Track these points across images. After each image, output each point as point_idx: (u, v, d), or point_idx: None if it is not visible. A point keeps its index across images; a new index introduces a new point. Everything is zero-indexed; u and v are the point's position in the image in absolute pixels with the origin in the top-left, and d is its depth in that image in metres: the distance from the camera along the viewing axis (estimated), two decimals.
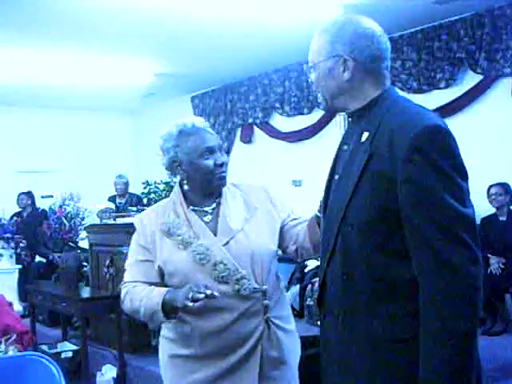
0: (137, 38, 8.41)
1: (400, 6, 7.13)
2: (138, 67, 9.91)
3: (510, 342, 6.37)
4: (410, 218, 1.94)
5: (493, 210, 7.30)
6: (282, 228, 2.87)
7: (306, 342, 4.22)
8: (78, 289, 6.81)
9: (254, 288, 2.69)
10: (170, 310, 2.60)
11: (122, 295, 2.82)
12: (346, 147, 2.24)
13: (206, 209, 2.81)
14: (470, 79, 8.04)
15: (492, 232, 7.13)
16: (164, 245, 2.75)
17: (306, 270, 8.20)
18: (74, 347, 6.74)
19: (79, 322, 6.34)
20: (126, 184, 10.55)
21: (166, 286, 2.76)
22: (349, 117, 2.26)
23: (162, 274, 2.77)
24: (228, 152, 11.61)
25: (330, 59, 2.16)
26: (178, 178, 2.89)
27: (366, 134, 2.09)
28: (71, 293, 6.61)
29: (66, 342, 7.12)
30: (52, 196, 8.85)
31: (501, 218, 7.26)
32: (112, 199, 10.35)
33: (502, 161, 7.34)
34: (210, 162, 2.74)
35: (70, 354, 6.65)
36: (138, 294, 2.72)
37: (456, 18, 8.02)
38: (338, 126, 9.74)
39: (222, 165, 2.76)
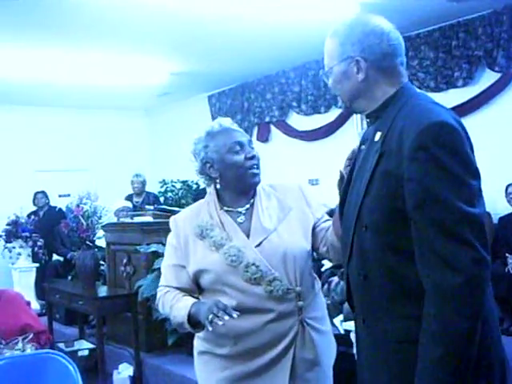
0: (153, 37, 8.42)
1: (417, 4, 7.11)
2: (153, 66, 9.92)
3: None
4: (414, 217, 1.92)
5: (511, 209, 7.26)
6: (314, 228, 2.85)
7: None
8: (94, 287, 6.82)
9: (288, 289, 2.69)
10: (195, 323, 2.62)
11: (157, 299, 2.88)
12: (363, 147, 2.24)
13: (239, 209, 2.82)
14: (488, 77, 7.99)
15: (510, 231, 7.09)
16: (197, 247, 2.77)
17: (322, 269, 8.18)
18: (91, 346, 6.77)
19: (96, 320, 6.35)
20: (143, 183, 10.58)
21: (199, 288, 2.81)
22: (367, 117, 2.25)
23: (195, 278, 2.79)
24: None
25: (342, 62, 2.17)
26: (212, 186, 2.89)
27: (378, 134, 2.09)
28: (88, 291, 6.62)
29: (83, 341, 7.15)
30: (69, 195, 8.87)
31: None
32: (129, 198, 10.38)
33: None
34: (240, 157, 2.75)
35: (86, 353, 6.68)
36: (169, 301, 2.77)
37: (473, 15, 7.98)
38: (355, 124, 9.73)
39: (252, 158, 2.77)
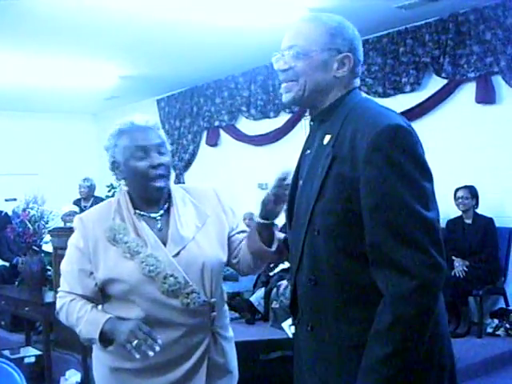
0: (101, 41, 8.35)
1: (365, 10, 7.17)
2: (102, 69, 9.84)
3: (473, 344, 6.44)
4: (369, 220, 1.90)
5: (459, 213, 7.36)
6: (228, 237, 2.73)
7: (270, 346, 4.22)
8: (41, 293, 6.73)
9: (204, 301, 2.57)
10: (107, 340, 2.48)
11: (58, 306, 2.65)
12: (308, 151, 2.18)
13: (153, 215, 2.63)
14: (435, 83, 8.12)
15: (457, 235, 7.20)
16: (109, 253, 2.56)
17: (271, 274, 8.20)
18: (38, 352, 6.67)
19: (42, 326, 6.27)
20: (90, 187, 10.47)
21: (104, 296, 2.63)
22: (311, 120, 2.21)
23: (103, 286, 2.59)
24: (194, 155, 11.58)
25: (326, 51, 2.07)
26: (122, 181, 2.69)
27: (327, 137, 2.05)
28: (35, 297, 6.53)
29: (29, 348, 7.04)
30: (16, 199, 8.74)
31: (466, 221, 7.35)
32: (77, 202, 10.27)
33: (468, 164, 7.42)
34: (143, 164, 2.54)
35: (32, 360, 6.57)
36: (75, 312, 2.56)
37: (421, 22, 8.09)
38: (304, 129, 9.78)
39: (157, 166, 2.55)
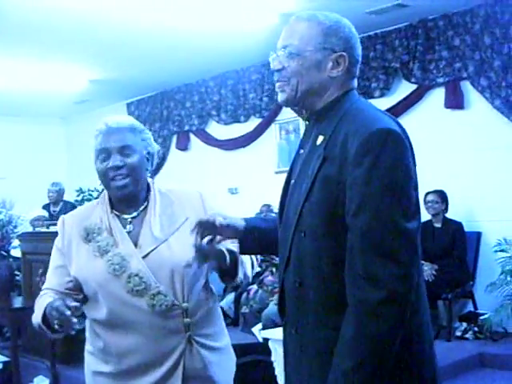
0: (71, 44, 8.30)
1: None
2: (71, 73, 9.78)
3: (442, 348, 6.45)
4: (350, 225, 1.88)
5: (429, 217, 7.41)
6: None
7: (240, 350, 4.21)
8: (9, 298, 6.64)
9: (173, 305, 2.52)
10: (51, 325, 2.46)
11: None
12: (302, 151, 2.15)
13: (125, 216, 2.63)
14: (404, 88, 8.19)
15: (426, 239, 7.24)
16: (81, 252, 2.58)
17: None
18: (5, 359, 6.59)
19: (10, 332, 6.20)
20: (59, 192, 10.39)
21: (84, 296, 2.60)
22: (306, 120, 2.17)
23: (79, 286, 2.58)
24: (163, 159, 11.54)
25: (320, 51, 2.03)
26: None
27: (320, 138, 2.02)
28: (2, 302, 6.44)
29: None
30: None
31: (436, 225, 7.40)
32: (46, 207, 10.19)
33: (437, 168, 7.46)
34: (103, 165, 2.57)
35: (0, 366, 6.50)
36: (38, 303, 2.58)
37: (391, 28, 8.15)
38: (274, 134, 9.81)
39: (115, 168, 2.55)
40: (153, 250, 2.55)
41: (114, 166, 2.55)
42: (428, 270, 7.02)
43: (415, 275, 1.86)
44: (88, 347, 2.70)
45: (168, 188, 2.77)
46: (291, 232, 2.03)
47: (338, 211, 1.90)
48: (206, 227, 2.29)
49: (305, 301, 2.01)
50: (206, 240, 2.30)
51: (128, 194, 2.61)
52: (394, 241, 1.83)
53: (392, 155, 1.87)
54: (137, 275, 2.49)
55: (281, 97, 2.12)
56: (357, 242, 1.86)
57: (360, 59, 2.13)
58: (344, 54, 2.04)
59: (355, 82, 2.14)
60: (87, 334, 2.71)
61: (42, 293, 2.66)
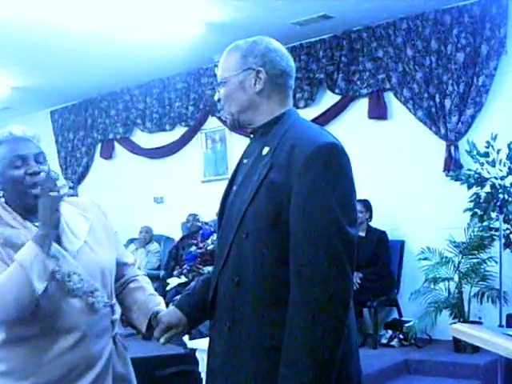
0: None
1: (260, 25, 7.23)
2: None
3: (368, 355, 6.54)
4: (295, 228, 1.99)
5: None
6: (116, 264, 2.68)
7: (167, 361, 4.19)
8: None
9: (105, 302, 2.49)
10: (48, 246, 2.34)
11: None
12: (246, 161, 2.29)
13: (38, 224, 2.43)
14: (329, 99, 8.30)
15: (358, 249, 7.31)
16: (9, 256, 2.38)
17: (167, 288, 8.13)
18: None
19: None
20: None
21: None
22: (251, 133, 2.32)
23: None
24: (87, 168, 11.42)
25: (241, 73, 2.23)
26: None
27: (266, 149, 2.15)
28: None
29: None
30: None
31: (360, 234, 7.44)
32: None
33: (361, 178, 7.52)
34: (20, 172, 2.46)
35: None
36: (4, 275, 2.32)
37: (315, 39, 8.25)
38: (200, 143, 9.80)
39: (34, 174, 2.46)
40: (77, 252, 2.49)
41: (33, 172, 2.47)
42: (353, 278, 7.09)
43: (352, 277, 2.01)
44: None
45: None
46: (232, 234, 2.14)
47: (282, 215, 2.03)
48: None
49: (241, 299, 2.11)
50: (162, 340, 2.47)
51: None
52: (338, 243, 1.96)
53: (337, 167, 2.03)
54: (75, 273, 2.41)
55: (227, 124, 2.35)
56: (304, 244, 1.97)
57: (289, 70, 2.29)
58: (261, 69, 2.21)
59: (290, 100, 2.30)
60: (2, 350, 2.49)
61: None
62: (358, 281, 7.08)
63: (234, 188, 2.26)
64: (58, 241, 2.48)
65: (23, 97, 10.70)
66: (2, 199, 2.55)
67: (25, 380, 2.41)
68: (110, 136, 11.02)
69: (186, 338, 5.88)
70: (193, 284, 2.68)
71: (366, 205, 7.48)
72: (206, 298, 2.32)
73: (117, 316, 2.60)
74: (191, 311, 2.40)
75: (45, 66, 9.05)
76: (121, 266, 2.71)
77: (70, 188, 2.43)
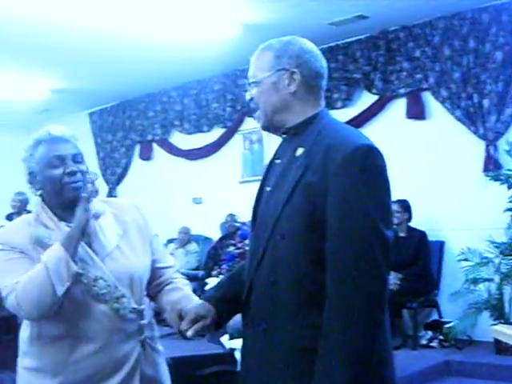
0: (32, 53, 8.26)
1: (297, 26, 7.22)
2: (33, 82, 9.73)
3: (408, 356, 6.51)
4: (332, 229, 1.99)
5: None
6: (154, 267, 2.70)
7: (207, 361, 4.20)
8: None
9: (133, 308, 2.52)
10: (73, 247, 2.37)
11: (10, 298, 2.42)
12: (278, 161, 2.27)
13: (71, 225, 2.47)
14: (366, 99, 8.28)
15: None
16: (39, 254, 2.42)
17: (206, 288, 8.17)
18: None
19: None
20: (22, 201, 10.28)
21: None
22: (283, 133, 2.29)
23: None
24: (126, 169, 11.51)
25: (274, 73, 2.21)
26: (41, 198, 2.62)
27: (300, 150, 2.14)
28: None
29: None
30: None
31: (400, 235, 7.41)
32: (9, 217, 10.08)
33: (400, 179, 7.50)
34: (58, 171, 2.50)
35: None
36: (31, 274, 2.36)
37: (352, 39, 8.23)
38: (238, 144, 9.82)
39: (72, 173, 2.50)
40: (107, 256, 2.52)
41: (71, 172, 2.51)
42: (392, 279, 7.05)
43: (388, 279, 2.02)
44: (30, 364, 2.55)
45: (102, 199, 2.73)
46: (267, 235, 2.13)
47: (317, 216, 2.02)
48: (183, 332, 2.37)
49: (277, 300, 2.10)
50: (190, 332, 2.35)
51: (79, 198, 2.51)
52: (375, 245, 1.96)
53: (374, 168, 2.02)
54: (101, 278, 2.45)
55: (259, 124, 2.31)
56: (340, 245, 1.97)
57: (322, 71, 2.26)
58: (295, 70, 2.19)
59: (322, 101, 2.28)
60: (27, 348, 2.57)
61: (15, 285, 2.41)
62: (398, 282, 7.04)
63: (268, 189, 2.25)
64: (89, 243, 2.51)
65: (63, 99, 10.84)
66: (45, 199, 2.59)
67: (54, 378, 2.47)
68: (149, 137, 11.10)
69: (224, 338, 5.91)
70: (221, 279, 2.66)
71: (405, 205, 7.43)
72: (234, 292, 2.33)
73: (145, 321, 2.60)
74: (218, 303, 2.37)
75: (84, 68, 9.16)
76: (159, 268, 2.73)
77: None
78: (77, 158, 2.56)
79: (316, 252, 2.03)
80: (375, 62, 8.05)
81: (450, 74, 7.40)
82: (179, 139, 10.74)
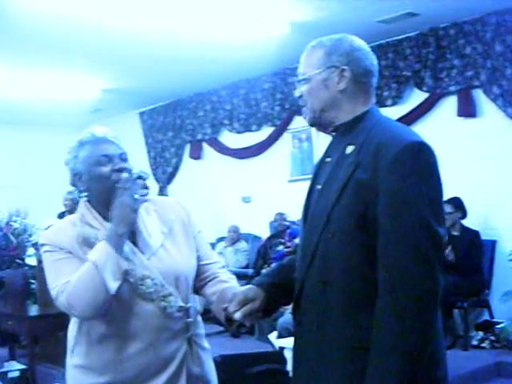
0: (84, 54, 8.37)
1: (346, 24, 7.22)
2: (85, 83, 9.86)
3: (459, 357, 6.44)
4: (384, 227, 1.98)
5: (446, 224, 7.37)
6: (200, 264, 2.71)
7: (256, 359, 4.21)
8: (25, 306, 6.69)
9: (180, 306, 2.53)
10: (120, 245, 2.42)
11: (61, 295, 2.45)
12: (328, 159, 2.27)
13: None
14: (416, 97, 8.21)
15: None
16: (86, 254, 2.46)
17: None
18: (22, 366, 6.63)
19: (27, 340, 6.24)
20: (73, 200, 10.43)
21: None
22: (333, 131, 2.29)
23: None
24: (177, 168, 11.60)
25: (325, 70, 2.20)
26: (85, 199, 2.65)
27: (351, 147, 2.14)
28: (18, 311, 6.50)
29: (14, 362, 6.99)
30: None
31: (454, 233, 7.33)
32: (62, 215, 10.23)
33: (451, 177, 7.41)
34: (106, 169, 2.53)
35: (17, 374, 6.53)
36: (80, 274, 2.41)
37: (401, 36, 8.18)
38: (287, 143, 9.83)
39: (120, 170, 2.53)
40: (152, 255, 2.54)
41: (119, 169, 2.54)
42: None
43: (441, 279, 1.97)
44: (79, 361, 2.59)
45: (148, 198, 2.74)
46: (318, 233, 2.12)
47: (368, 214, 2.01)
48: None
49: (328, 299, 2.09)
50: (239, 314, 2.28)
51: None
52: (429, 243, 1.94)
53: (426, 166, 2.01)
54: (148, 277, 2.47)
55: (306, 120, 2.30)
56: (394, 245, 1.96)
57: (372, 69, 2.25)
58: (345, 67, 2.19)
59: (373, 98, 2.27)
60: (75, 346, 2.61)
61: (64, 285, 2.45)
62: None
63: (318, 187, 2.24)
64: (134, 242, 2.54)
65: (114, 99, 10.97)
66: (90, 199, 2.63)
67: (101, 376, 2.52)
68: (199, 136, 11.17)
69: (273, 336, 5.92)
70: (271, 267, 2.62)
71: (457, 203, 7.32)
72: (285, 281, 2.33)
73: (191, 319, 2.60)
74: (268, 288, 2.33)
75: (134, 68, 9.25)
76: (203, 264, 2.73)
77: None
78: (123, 157, 2.60)
79: (367, 250, 2.02)
80: (425, 59, 7.97)
81: (502, 70, 7.29)
82: (229, 138, 10.79)
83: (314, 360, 2.14)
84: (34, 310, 6.63)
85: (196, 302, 2.74)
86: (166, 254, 2.57)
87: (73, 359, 2.62)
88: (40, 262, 6.93)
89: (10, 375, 6.44)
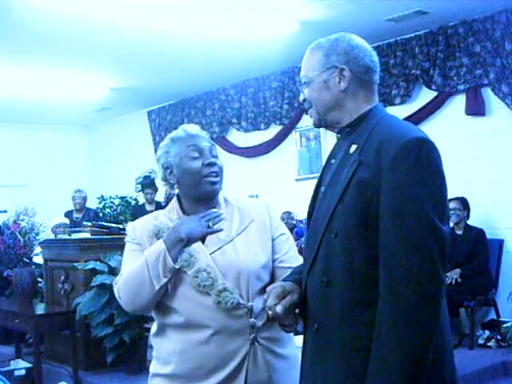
0: (92, 53, 8.38)
1: (355, 22, 7.21)
2: (93, 81, 9.88)
3: (465, 356, 6.43)
4: (386, 225, 1.95)
5: (450, 224, 7.36)
6: (277, 266, 2.67)
7: None
8: (32, 305, 6.71)
9: (238, 303, 2.49)
10: (174, 246, 2.50)
11: (116, 289, 2.61)
12: (333, 161, 2.25)
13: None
14: (425, 95, 8.18)
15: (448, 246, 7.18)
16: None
17: None
18: (28, 365, 6.63)
19: (33, 338, 6.24)
20: (85, 199, 10.45)
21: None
22: (338, 133, 2.28)
23: None
24: None
25: (324, 72, 2.20)
26: (176, 191, 2.73)
27: (354, 147, 2.12)
28: (25, 309, 6.51)
29: (20, 360, 7.00)
30: (6, 211, 8.72)
31: (457, 232, 7.34)
32: (69, 214, 10.24)
33: (458, 175, 7.42)
34: (197, 163, 2.60)
35: (23, 372, 6.53)
36: (132, 267, 2.55)
37: (410, 35, 8.15)
38: (294, 141, 9.81)
39: (210, 165, 2.61)
40: (218, 249, 2.57)
41: (210, 163, 2.62)
42: (451, 274, 6.96)
43: (444, 277, 1.95)
44: (154, 353, 2.70)
45: (235, 197, 2.83)
46: (320, 233, 2.10)
47: (371, 212, 1.99)
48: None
49: (330, 300, 2.07)
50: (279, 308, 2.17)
51: (215, 191, 2.67)
52: (431, 241, 1.91)
53: (428, 162, 1.97)
54: (204, 270, 2.49)
55: (312, 122, 2.30)
56: (396, 243, 1.93)
57: (373, 65, 2.25)
58: (344, 67, 2.18)
59: (376, 95, 2.26)
60: (152, 341, 2.72)
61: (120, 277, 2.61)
62: (457, 276, 6.96)
63: (322, 188, 2.23)
64: (203, 240, 2.59)
65: (121, 97, 10.98)
66: (178, 192, 2.72)
67: (167, 365, 2.59)
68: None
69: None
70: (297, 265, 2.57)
71: (464, 203, 7.33)
72: None
73: (257, 320, 2.52)
74: (301, 283, 2.27)
75: (142, 67, 9.25)
76: (280, 267, 2.67)
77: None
78: (213, 152, 2.67)
79: (369, 249, 1.99)
80: (434, 57, 7.94)
81: (511, 69, 7.26)
82: (236, 137, 10.80)
83: (315, 362, 2.13)
84: (40, 309, 6.65)
85: None
86: (233, 250, 2.59)
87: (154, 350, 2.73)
88: (46, 260, 6.95)
89: (16, 373, 6.43)
